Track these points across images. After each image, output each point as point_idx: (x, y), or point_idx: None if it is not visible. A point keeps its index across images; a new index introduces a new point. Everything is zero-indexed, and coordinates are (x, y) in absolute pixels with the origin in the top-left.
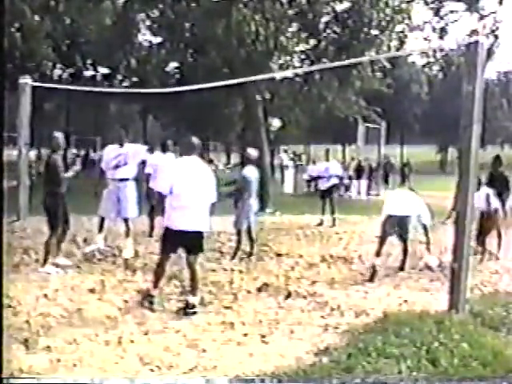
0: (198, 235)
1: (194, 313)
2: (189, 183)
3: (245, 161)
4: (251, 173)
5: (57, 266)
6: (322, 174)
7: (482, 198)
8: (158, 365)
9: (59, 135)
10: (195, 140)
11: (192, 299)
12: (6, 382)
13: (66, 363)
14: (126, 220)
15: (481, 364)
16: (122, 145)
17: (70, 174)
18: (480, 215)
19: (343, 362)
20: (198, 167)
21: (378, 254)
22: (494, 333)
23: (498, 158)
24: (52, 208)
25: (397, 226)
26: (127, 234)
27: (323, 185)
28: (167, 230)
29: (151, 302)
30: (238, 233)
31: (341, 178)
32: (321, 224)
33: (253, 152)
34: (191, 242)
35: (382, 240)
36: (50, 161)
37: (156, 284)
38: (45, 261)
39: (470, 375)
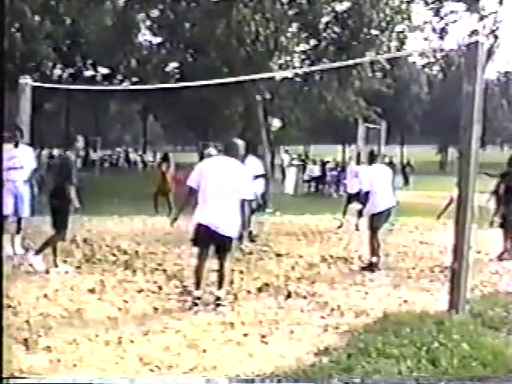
0: (226, 238)
1: (219, 305)
2: (214, 184)
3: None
4: None
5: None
6: (353, 178)
7: None
8: (157, 365)
9: (81, 138)
10: (239, 142)
11: (218, 292)
12: (5, 381)
13: (66, 363)
14: (19, 219)
15: (481, 364)
16: (17, 146)
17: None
18: None
19: (343, 363)
20: (230, 167)
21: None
22: (494, 333)
23: None
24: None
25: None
26: (18, 232)
27: (352, 188)
28: (196, 224)
29: (195, 304)
30: None
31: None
32: (341, 226)
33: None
34: (219, 239)
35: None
36: (64, 160)
37: (198, 285)
38: (54, 261)
39: (470, 375)
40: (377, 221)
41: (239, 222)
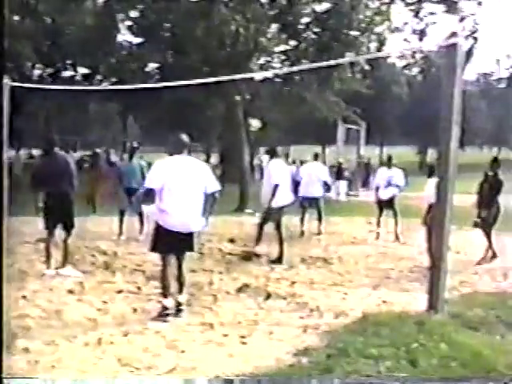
0: (190, 235)
1: (180, 310)
2: (180, 183)
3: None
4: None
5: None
6: (383, 183)
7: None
8: (137, 366)
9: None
10: (184, 137)
11: (180, 297)
12: (6, 382)
13: (45, 364)
14: None
15: (460, 364)
16: None
17: None
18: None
19: (323, 363)
20: (190, 165)
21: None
22: (472, 333)
23: (495, 160)
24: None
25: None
26: None
27: (384, 194)
28: (159, 229)
29: (167, 315)
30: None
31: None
32: (377, 238)
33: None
34: (182, 241)
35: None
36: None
37: (165, 293)
38: (64, 263)
39: (449, 375)
40: (270, 215)
41: (202, 219)
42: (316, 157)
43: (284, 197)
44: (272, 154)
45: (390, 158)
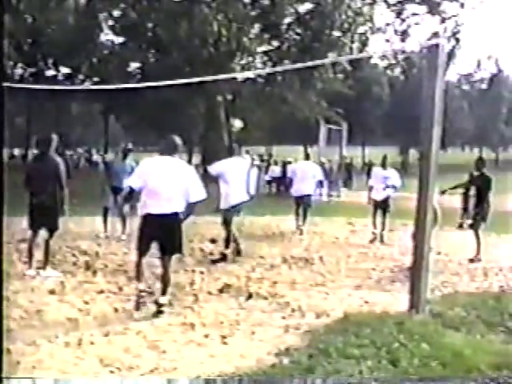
0: (173, 220)
1: (161, 312)
2: (163, 183)
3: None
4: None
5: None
6: (379, 184)
7: None
8: (118, 366)
9: (54, 137)
10: (177, 139)
11: (162, 299)
12: (6, 382)
13: (26, 365)
14: None
15: (441, 364)
16: None
17: None
18: None
19: (304, 363)
20: (176, 168)
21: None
22: (453, 333)
23: (480, 159)
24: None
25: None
26: None
27: (378, 195)
28: (144, 218)
29: (141, 297)
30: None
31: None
32: (373, 240)
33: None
34: (166, 227)
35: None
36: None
37: (138, 278)
38: (45, 264)
39: (430, 375)
40: (227, 214)
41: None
42: (307, 156)
43: (236, 196)
44: (230, 152)
45: (384, 158)
